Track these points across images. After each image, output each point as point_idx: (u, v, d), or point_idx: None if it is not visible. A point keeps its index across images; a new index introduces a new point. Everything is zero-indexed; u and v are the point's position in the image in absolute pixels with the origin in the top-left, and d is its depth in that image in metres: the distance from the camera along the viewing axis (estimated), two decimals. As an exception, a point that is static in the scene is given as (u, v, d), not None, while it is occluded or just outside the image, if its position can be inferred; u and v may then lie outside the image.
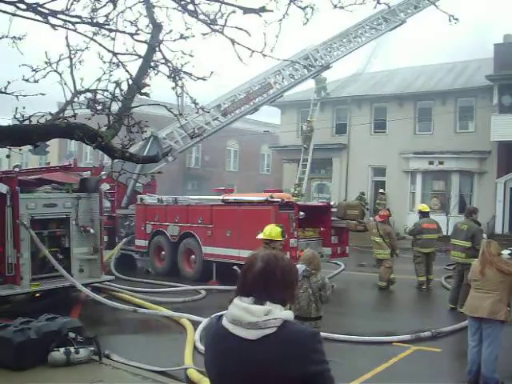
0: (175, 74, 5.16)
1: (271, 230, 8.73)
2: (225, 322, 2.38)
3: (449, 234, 15.02)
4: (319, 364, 2.35)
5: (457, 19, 6.10)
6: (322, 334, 7.94)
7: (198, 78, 4.95)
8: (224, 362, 2.38)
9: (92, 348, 7.89)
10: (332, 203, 16.71)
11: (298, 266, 7.27)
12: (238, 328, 2.32)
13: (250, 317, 2.30)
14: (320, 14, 5.40)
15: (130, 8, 5.28)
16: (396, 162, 29.41)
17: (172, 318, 10.73)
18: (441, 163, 28.12)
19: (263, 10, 3.98)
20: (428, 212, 15.47)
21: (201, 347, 8.34)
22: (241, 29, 4.11)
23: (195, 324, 9.64)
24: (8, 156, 5.94)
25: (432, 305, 13.55)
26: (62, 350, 7.65)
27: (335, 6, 4.90)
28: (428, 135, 29.17)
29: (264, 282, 2.38)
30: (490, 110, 26.06)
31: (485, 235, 12.64)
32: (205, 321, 9.28)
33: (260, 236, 8.76)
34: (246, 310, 2.32)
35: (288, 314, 2.36)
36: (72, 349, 7.70)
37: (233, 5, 4.16)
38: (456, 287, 11.90)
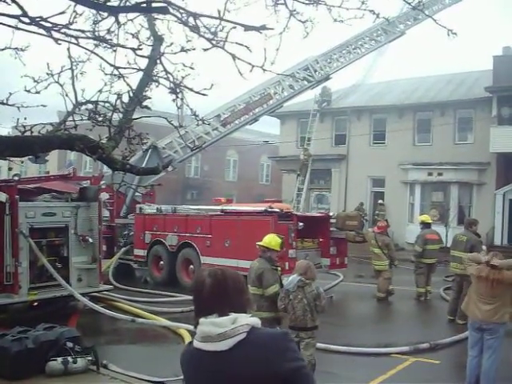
0: (176, 88, 5.19)
1: (271, 239, 8.31)
2: (196, 344, 2.46)
3: (447, 246, 15.02)
4: (294, 361, 2.41)
5: (455, 33, 6.14)
6: (320, 345, 7.95)
7: (199, 93, 4.98)
8: (204, 381, 2.44)
9: (90, 358, 7.87)
10: (331, 214, 16.73)
11: (293, 276, 7.27)
12: (210, 343, 2.38)
13: (219, 328, 2.36)
14: (320, 27, 5.46)
15: (132, 20, 5.33)
16: (395, 173, 29.43)
17: (170, 328, 10.70)
18: (440, 174, 28.12)
19: (264, 28, 4.02)
20: (430, 223, 15.47)
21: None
22: (241, 44, 4.15)
23: (193, 334, 9.61)
24: (10, 169, 5.97)
25: (431, 316, 13.52)
26: (60, 359, 7.64)
27: (335, 20, 4.95)
28: (427, 146, 29.21)
29: (220, 295, 2.46)
30: (489, 121, 26.09)
31: (484, 247, 12.65)
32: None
33: (258, 243, 8.30)
34: (213, 324, 2.39)
35: (255, 320, 2.43)
36: (70, 358, 7.68)
37: (234, 22, 4.19)
38: (455, 299, 11.87)
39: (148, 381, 7.53)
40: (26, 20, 4.10)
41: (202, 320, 2.44)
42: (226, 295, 2.46)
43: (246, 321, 2.40)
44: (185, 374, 2.59)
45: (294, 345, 2.50)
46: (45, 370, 7.58)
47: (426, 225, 15.28)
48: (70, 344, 7.89)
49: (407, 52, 74.73)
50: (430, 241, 14.67)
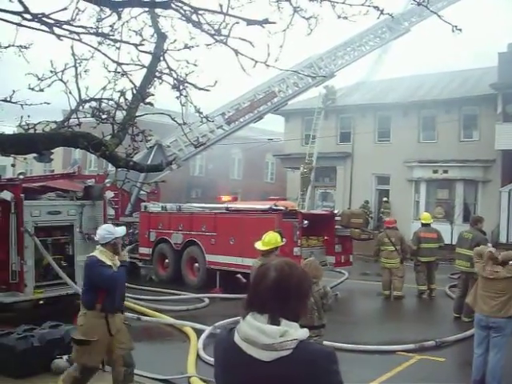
0: (179, 84, 5.19)
1: (276, 237, 8.20)
2: (237, 339, 2.29)
3: (453, 243, 14.96)
4: None
5: (460, 29, 6.08)
6: (325, 342, 7.90)
7: (202, 89, 4.97)
8: (237, 379, 2.32)
9: (95, 356, 7.87)
10: (336, 211, 16.70)
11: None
12: (251, 348, 2.22)
13: (265, 338, 2.19)
14: (324, 23, 5.43)
15: (135, 18, 5.33)
16: (400, 171, 29.34)
17: (175, 326, 10.71)
18: (445, 172, 28.03)
19: (266, 21, 4.00)
20: (429, 224, 15.31)
21: (204, 356, 8.33)
22: (244, 40, 4.13)
23: (198, 332, 9.61)
24: (13, 165, 5.98)
25: (436, 314, 13.50)
26: (65, 357, 7.65)
27: (339, 17, 4.91)
28: (432, 144, 29.11)
29: (278, 294, 2.28)
30: (494, 118, 25.99)
31: (490, 244, 12.61)
32: (208, 329, 9.25)
33: (261, 247, 8.00)
34: (260, 331, 2.21)
35: (303, 333, 2.27)
36: (75, 357, 7.70)
37: (236, 16, 4.18)
38: (460, 296, 11.84)
39: (153, 378, 7.54)
40: (28, 16, 4.09)
41: (249, 319, 2.27)
42: (285, 296, 2.28)
43: (295, 335, 2.22)
44: (217, 361, 2.47)
45: (338, 366, 2.32)
46: (50, 368, 7.60)
47: (424, 224, 15.20)
48: (75, 342, 7.90)
49: (411, 49, 74.51)
50: (424, 239, 14.60)
